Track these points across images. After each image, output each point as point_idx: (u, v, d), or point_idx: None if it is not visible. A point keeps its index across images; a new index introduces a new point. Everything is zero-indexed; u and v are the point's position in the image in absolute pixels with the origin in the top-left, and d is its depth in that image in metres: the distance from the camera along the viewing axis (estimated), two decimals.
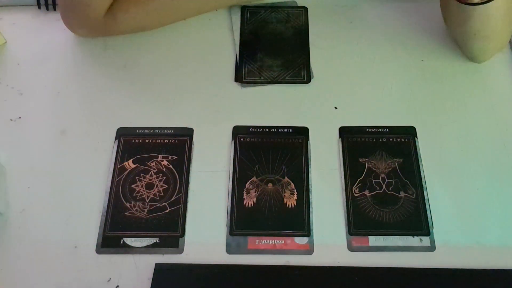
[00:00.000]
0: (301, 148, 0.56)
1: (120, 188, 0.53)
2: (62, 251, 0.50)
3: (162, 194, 0.53)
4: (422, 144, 0.56)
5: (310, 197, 0.53)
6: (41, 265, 0.49)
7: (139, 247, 0.50)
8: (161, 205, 0.53)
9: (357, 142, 0.56)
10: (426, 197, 0.53)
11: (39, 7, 0.68)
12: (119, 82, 0.62)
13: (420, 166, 0.55)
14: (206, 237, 0.51)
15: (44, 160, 0.56)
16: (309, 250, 0.50)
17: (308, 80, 0.61)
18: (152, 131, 0.57)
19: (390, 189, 0.53)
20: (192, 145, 0.56)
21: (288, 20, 0.66)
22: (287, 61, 0.63)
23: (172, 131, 0.57)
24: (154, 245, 0.50)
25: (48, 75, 0.62)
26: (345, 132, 0.57)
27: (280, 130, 0.57)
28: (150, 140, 0.56)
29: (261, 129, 0.57)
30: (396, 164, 0.55)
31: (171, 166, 0.55)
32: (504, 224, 0.51)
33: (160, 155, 0.56)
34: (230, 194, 0.53)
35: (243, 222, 0.51)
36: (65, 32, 0.64)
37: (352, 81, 0.61)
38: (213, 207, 0.53)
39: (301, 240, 0.51)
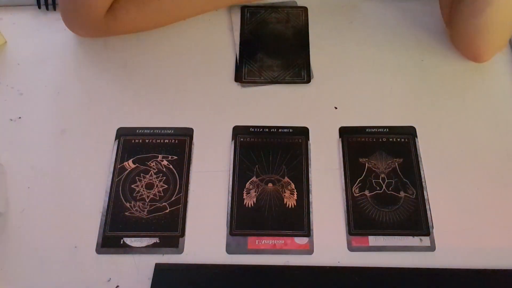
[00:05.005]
0: (301, 148, 0.56)
1: (120, 188, 0.53)
2: (62, 251, 0.50)
3: (162, 194, 0.53)
4: (422, 144, 0.56)
5: (310, 197, 0.53)
6: (41, 265, 0.49)
7: (139, 247, 0.50)
8: (161, 205, 0.53)
9: (357, 142, 0.56)
10: (426, 197, 0.53)
11: (39, 7, 0.68)
12: (119, 82, 0.62)
13: (420, 166, 0.55)
14: (206, 237, 0.51)
15: (44, 160, 0.56)
16: (309, 250, 0.50)
17: (308, 80, 0.61)
18: (152, 131, 0.57)
19: (390, 189, 0.53)
20: (192, 145, 0.56)
21: (288, 20, 0.66)
22: (287, 61, 0.63)
23: (172, 131, 0.57)
24: (154, 245, 0.50)
25: (48, 75, 0.62)
26: (345, 132, 0.57)
27: (280, 130, 0.57)
28: (150, 140, 0.56)
29: (261, 129, 0.57)
30: (396, 164, 0.55)
31: (171, 166, 0.55)
32: (504, 224, 0.51)
33: (160, 155, 0.56)
34: (230, 194, 0.53)
35: (243, 222, 0.51)
36: (65, 32, 0.64)
37: (352, 81, 0.61)
38: (213, 207, 0.53)
39: (301, 240, 0.51)
